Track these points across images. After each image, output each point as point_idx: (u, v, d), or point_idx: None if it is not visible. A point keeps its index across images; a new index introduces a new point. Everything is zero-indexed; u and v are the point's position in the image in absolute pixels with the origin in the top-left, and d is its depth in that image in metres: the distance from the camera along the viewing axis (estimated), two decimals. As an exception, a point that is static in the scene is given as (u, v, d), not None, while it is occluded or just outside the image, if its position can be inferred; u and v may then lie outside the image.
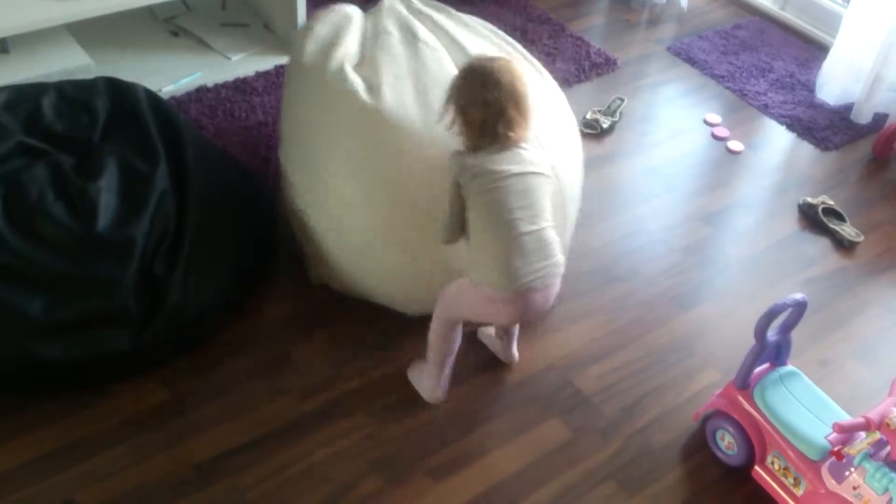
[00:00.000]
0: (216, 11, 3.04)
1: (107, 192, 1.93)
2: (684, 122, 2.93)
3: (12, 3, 2.36)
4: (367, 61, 2.07)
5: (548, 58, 3.11)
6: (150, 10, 2.77)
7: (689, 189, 2.67)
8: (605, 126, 2.83)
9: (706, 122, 2.93)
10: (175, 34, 2.93)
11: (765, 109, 3.00)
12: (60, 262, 1.85)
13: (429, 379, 1.91)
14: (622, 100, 2.95)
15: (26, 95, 2.09)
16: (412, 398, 1.95)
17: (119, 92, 2.18)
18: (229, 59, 2.87)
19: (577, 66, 3.11)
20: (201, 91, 2.73)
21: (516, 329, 2.02)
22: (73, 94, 2.13)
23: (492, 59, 1.74)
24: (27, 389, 1.87)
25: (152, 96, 2.22)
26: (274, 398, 1.92)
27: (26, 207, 1.89)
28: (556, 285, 1.75)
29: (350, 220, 1.96)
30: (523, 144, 1.71)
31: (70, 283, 1.86)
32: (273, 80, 2.82)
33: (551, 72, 3.01)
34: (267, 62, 2.87)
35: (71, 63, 2.45)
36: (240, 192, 2.18)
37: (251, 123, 2.65)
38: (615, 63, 3.15)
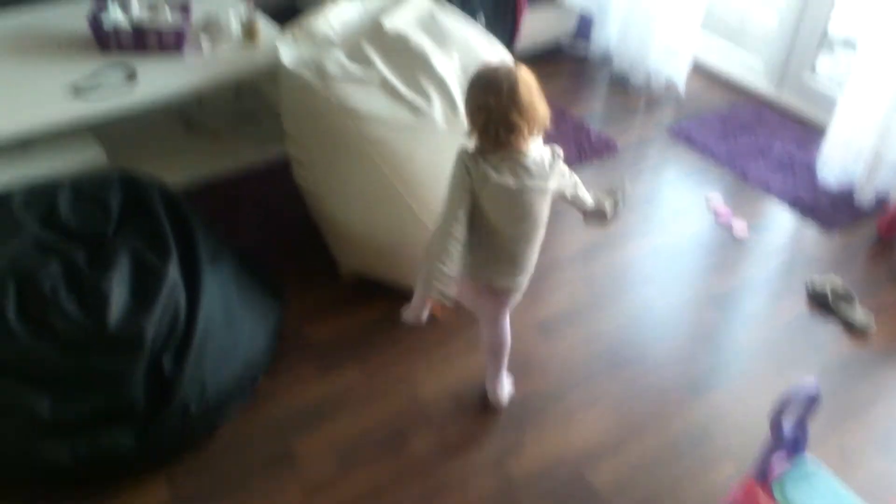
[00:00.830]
0: (229, 103, 3.12)
1: (118, 286, 1.95)
2: (687, 204, 2.97)
3: (34, 102, 2.43)
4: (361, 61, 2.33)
5: (548, 142, 3.17)
6: (164, 106, 2.83)
7: (694, 271, 2.69)
8: (607, 209, 2.86)
9: (709, 204, 2.97)
10: (188, 127, 3.00)
11: (766, 190, 3.05)
12: (69, 357, 1.87)
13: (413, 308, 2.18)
14: (624, 182, 2.99)
15: (44, 192, 2.13)
16: (424, 499, 1.92)
17: (133, 186, 2.23)
18: (241, 149, 2.92)
19: (579, 149, 3.17)
20: (213, 182, 2.78)
21: (495, 370, 2.13)
22: (88, 190, 2.17)
23: (497, 67, 1.77)
24: (32, 488, 1.85)
25: (165, 190, 2.26)
26: (278, 498, 1.89)
27: (39, 302, 1.91)
28: (514, 296, 1.95)
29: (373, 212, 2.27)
30: (525, 150, 1.76)
31: (78, 379, 1.87)
32: (283, 169, 2.87)
33: (555, 157, 3.09)
34: (278, 152, 2.93)
35: (88, 160, 2.50)
36: (249, 286, 2.20)
37: (262, 213, 2.69)
38: (616, 146, 3.22)
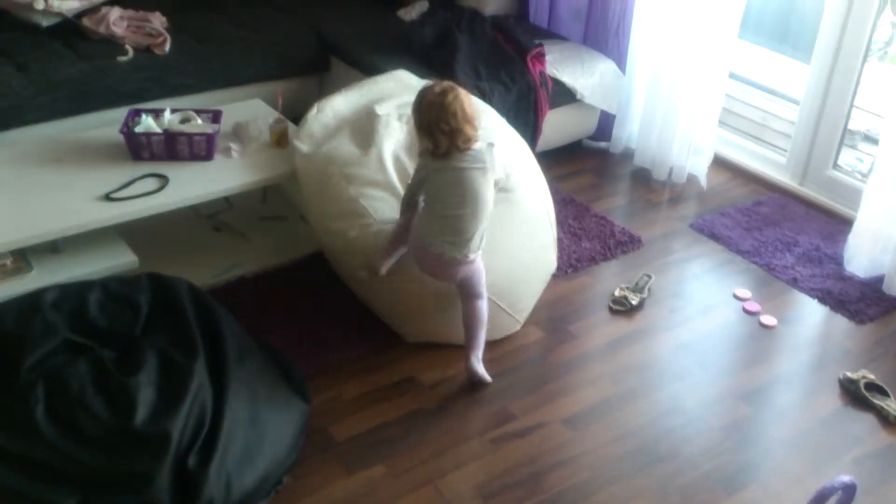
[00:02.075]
0: (256, 206, 3.21)
1: (145, 386, 1.97)
2: (714, 298, 2.95)
3: (65, 205, 2.52)
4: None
5: (573, 237, 3.20)
6: (193, 208, 2.94)
7: (724, 365, 2.65)
8: (634, 303, 2.86)
9: (736, 297, 2.95)
10: (217, 229, 3.08)
11: (794, 283, 3.02)
12: (97, 457, 1.88)
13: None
14: (650, 276, 2.99)
15: (73, 293, 2.18)
16: None
17: (162, 286, 2.28)
18: (268, 250, 2.98)
19: (603, 244, 3.19)
20: (240, 282, 2.83)
21: (471, 345, 2.45)
22: (117, 291, 2.22)
23: (444, 91, 2.26)
24: None
25: (193, 289, 2.31)
26: None
27: (67, 402, 1.93)
28: (462, 266, 2.33)
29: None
30: (474, 146, 2.28)
31: (105, 478, 1.88)
32: (309, 269, 2.92)
33: (577, 251, 3.12)
34: (303, 251, 2.99)
35: (117, 262, 2.57)
36: (275, 384, 2.21)
37: (287, 311, 2.72)
38: (640, 241, 3.23)
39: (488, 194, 2.30)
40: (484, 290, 2.45)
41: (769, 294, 2.97)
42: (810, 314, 2.90)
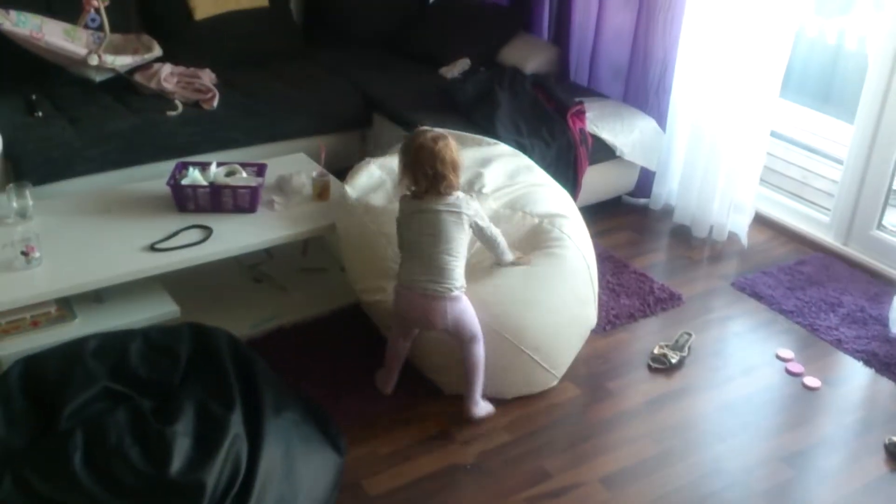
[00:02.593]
0: (297, 257, 3.25)
1: (182, 437, 1.98)
2: (756, 358, 2.90)
3: (111, 255, 2.58)
4: None
5: (612, 294, 3.18)
6: (235, 259, 2.99)
7: (766, 427, 2.58)
8: (674, 361, 2.82)
9: (779, 358, 2.89)
10: (258, 280, 3.12)
11: (838, 345, 2.95)
12: (132, 506, 1.88)
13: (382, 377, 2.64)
14: (690, 335, 2.95)
15: (115, 342, 2.22)
16: None
17: (202, 337, 2.31)
18: (307, 302, 3.01)
19: (642, 301, 3.16)
20: (279, 333, 2.85)
21: (472, 391, 2.52)
22: (158, 340, 2.26)
23: (436, 138, 2.40)
24: None
25: (233, 340, 2.33)
26: None
27: (105, 451, 1.95)
28: (445, 301, 2.37)
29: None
30: (454, 193, 2.41)
31: (139, 528, 1.87)
32: (347, 320, 2.94)
33: (616, 307, 3.09)
34: (342, 302, 3.01)
35: (159, 312, 2.62)
36: (310, 437, 2.20)
37: (325, 362, 2.73)
38: (680, 298, 3.19)
39: (462, 235, 2.41)
40: (478, 330, 2.46)
41: (813, 355, 2.91)
42: (855, 376, 2.83)
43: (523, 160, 3.03)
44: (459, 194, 2.43)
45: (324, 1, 4.34)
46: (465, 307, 2.43)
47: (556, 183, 2.96)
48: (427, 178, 2.37)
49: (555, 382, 2.68)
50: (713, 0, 3.44)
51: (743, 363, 2.87)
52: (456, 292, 2.40)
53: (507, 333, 2.51)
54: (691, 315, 3.12)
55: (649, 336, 2.98)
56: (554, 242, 2.65)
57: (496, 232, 2.51)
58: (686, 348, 2.89)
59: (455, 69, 4.07)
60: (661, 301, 3.17)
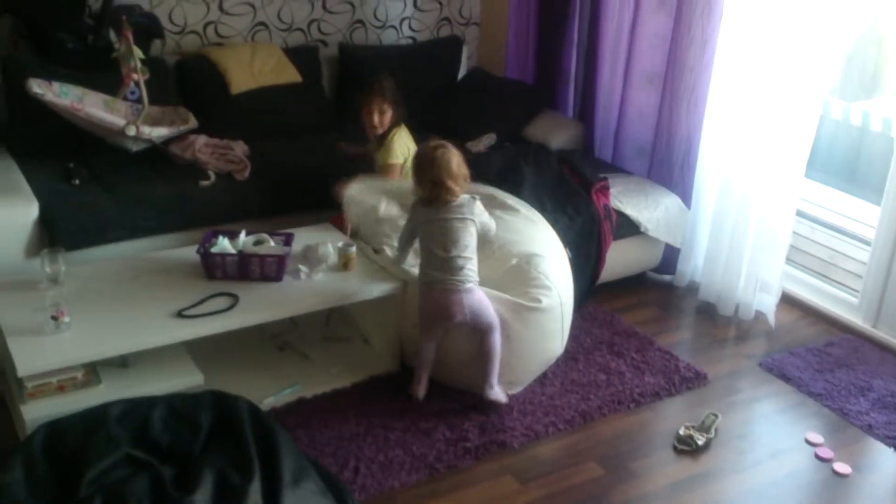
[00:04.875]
0: (320, 326, 3.26)
1: (200, 506, 1.97)
2: (784, 441, 2.83)
3: (139, 322, 2.61)
4: None
5: (636, 371, 3.14)
6: (259, 327, 3.01)
7: (796, 515, 2.51)
8: (700, 443, 2.76)
9: (808, 442, 2.82)
10: (281, 349, 3.14)
11: (869, 430, 2.88)
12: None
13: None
14: (716, 416, 2.90)
15: (139, 408, 2.23)
16: None
17: (224, 405, 2.31)
18: (329, 371, 3.01)
19: (667, 379, 3.12)
20: (301, 402, 2.85)
21: (490, 376, 2.81)
22: (181, 408, 2.26)
23: (436, 147, 2.69)
24: None
25: (254, 410, 2.33)
26: None
27: (123, 519, 1.93)
28: (461, 294, 2.68)
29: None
30: (456, 199, 2.70)
31: None
32: (368, 391, 2.93)
33: (640, 385, 3.06)
34: (363, 374, 3.01)
35: (183, 380, 2.63)
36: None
37: (345, 434, 2.71)
38: (706, 378, 3.15)
39: (470, 238, 2.72)
40: (494, 319, 2.76)
41: (843, 440, 2.84)
42: (887, 463, 2.75)
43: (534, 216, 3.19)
44: (464, 198, 2.71)
45: (354, 76, 4.46)
46: (480, 297, 2.73)
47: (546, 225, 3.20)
48: (432, 186, 2.66)
49: (512, 391, 2.93)
50: (738, 81, 3.49)
51: (771, 447, 2.81)
52: (470, 285, 2.69)
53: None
54: (717, 395, 3.07)
55: (674, 416, 2.93)
56: (533, 289, 2.89)
57: (493, 226, 2.85)
58: (712, 430, 2.83)
59: (481, 144, 4.14)
60: (686, 380, 3.13)
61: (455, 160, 2.68)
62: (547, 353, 3.02)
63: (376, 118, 3.34)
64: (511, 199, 3.24)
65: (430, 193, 2.69)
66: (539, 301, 2.89)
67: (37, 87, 3.38)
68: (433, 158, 2.67)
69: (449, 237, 2.68)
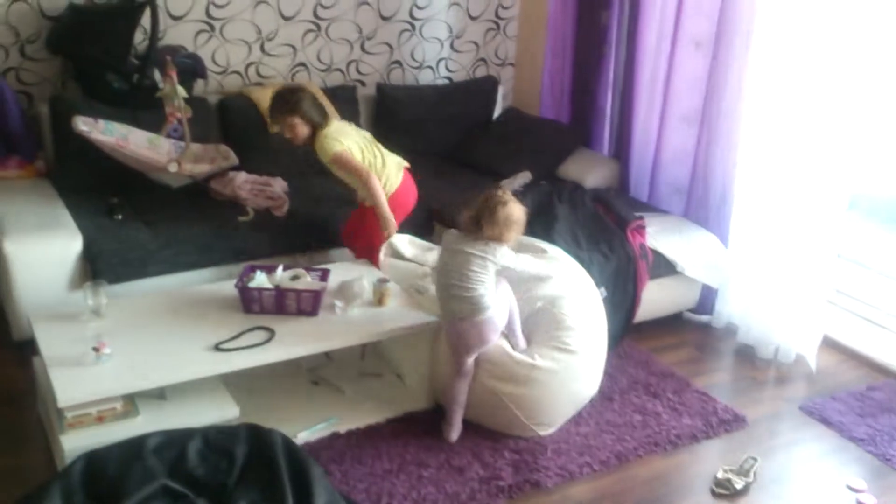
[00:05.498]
0: (354, 362, 3.27)
1: (233, 540, 1.97)
2: (825, 487, 2.76)
3: (177, 355, 2.64)
4: None
5: (673, 412, 3.09)
6: (294, 361, 3.02)
7: (839, 564, 2.44)
8: (738, 487, 2.70)
9: (850, 488, 2.75)
10: (315, 383, 3.15)
11: (915, 477, 2.81)
12: None
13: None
14: (755, 459, 2.84)
15: (175, 440, 2.25)
16: None
17: (259, 439, 2.32)
18: (362, 406, 3.01)
19: (705, 422, 3.06)
20: (334, 437, 2.84)
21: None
22: (216, 441, 2.27)
23: (501, 195, 2.74)
24: None
25: (288, 443, 2.34)
26: None
27: (157, 551, 1.94)
28: (479, 322, 2.72)
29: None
30: (492, 243, 2.72)
31: None
32: (401, 428, 2.92)
33: (677, 427, 3.00)
34: (396, 410, 3.00)
35: (220, 413, 2.64)
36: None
37: (378, 470, 2.70)
38: (744, 420, 3.09)
39: (484, 277, 2.72)
40: (516, 327, 2.90)
41: (886, 487, 2.76)
42: (936, 513, 2.67)
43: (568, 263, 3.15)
44: (497, 245, 2.72)
45: (391, 115, 4.53)
46: (495, 323, 2.77)
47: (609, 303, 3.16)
48: (475, 224, 2.71)
49: (543, 432, 2.90)
50: (776, 120, 3.48)
51: (812, 492, 2.74)
52: (485, 314, 2.72)
53: (504, 398, 2.84)
54: (756, 439, 3.00)
55: (712, 459, 2.87)
56: (560, 332, 2.88)
57: (525, 271, 2.84)
58: (751, 474, 2.77)
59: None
60: (724, 422, 3.07)
61: (517, 212, 2.73)
62: (579, 394, 2.98)
63: (288, 134, 3.29)
64: (538, 241, 3.22)
65: (471, 229, 2.73)
66: (566, 343, 2.87)
67: (83, 124, 3.48)
68: (493, 207, 2.70)
69: (464, 269, 2.71)
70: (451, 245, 2.78)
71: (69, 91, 3.91)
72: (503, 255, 2.75)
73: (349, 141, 3.31)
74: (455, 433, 2.86)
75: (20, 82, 3.90)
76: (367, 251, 3.41)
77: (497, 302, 2.76)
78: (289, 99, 3.26)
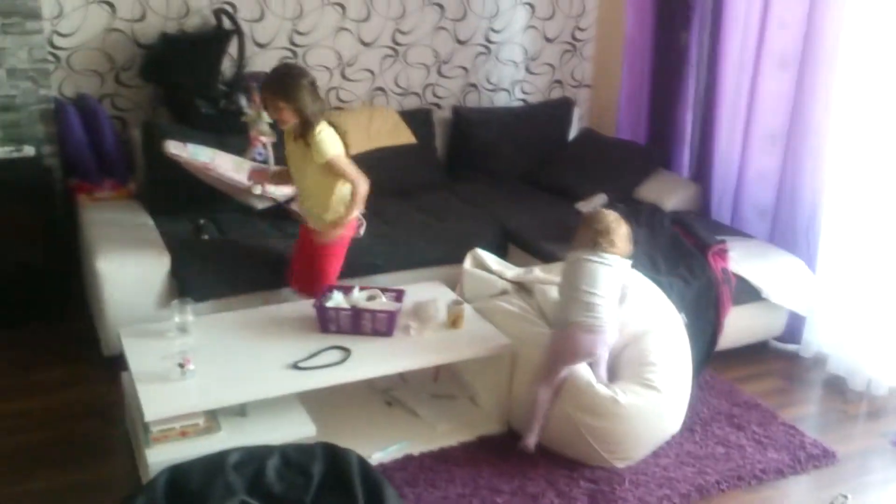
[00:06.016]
0: (428, 383, 3.27)
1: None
2: (924, 528, 2.62)
3: (257, 372, 2.70)
4: None
5: (758, 446, 2.98)
6: (369, 382, 3.05)
7: None
8: (828, 525, 2.58)
9: (952, 531, 2.60)
10: (389, 404, 3.16)
11: None
12: None
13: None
14: (846, 497, 2.71)
15: (255, 457, 2.29)
16: None
17: (334, 458, 2.33)
18: (436, 429, 3.00)
19: (792, 456, 2.94)
20: (407, 459, 2.84)
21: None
22: (294, 458, 2.30)
23: (609, 213, 2.97)
24: None
25: (363, 463, 2.35)
26: None
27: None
28: (593, 332, 2.79)
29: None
30: (605, 252, 2.87)
31: None
32: (474, 452, 2.90)
33: (763, 461, 2.89)
34: (470, 433, 2.98)
35: (297, 431, 2.68)
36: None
37: (451, 494, 2.68)
38: (834, 456, 2.95)
39: (612, 289, 2.83)
40: (603, 360, 2.88)
41: None
42: None
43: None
44: (617, 258, 2.87)
45: (466, 137, 4.55)
46: (606, 338, 2.83)
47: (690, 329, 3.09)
48: (589, 238, 2.88)
49: (621, 465, 2.82)
50: (865, 139, 3.35)
51: (909, 533, 2.60)
52: (603, 325, 2.80)
53: (582, 428, 2.78)
54: (847, 475, 2.87)
55: (800, 496, 2.76)
56: (642, 367, 2.85)
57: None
58: (843, 511, 2.65)
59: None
60: (813, 458, 2.94)
61: (619, 227, 2.91)
62: (661, 432, 2.90)
63: (272, 112, 3.14)
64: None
65: (587, 243, 2.88)
66: (650, 380, 2.81)
67: (173, 148, 3.61)
68: (615, 223, 2.90)
69: (592, 277, 2.82)
70: (581, 256, 2.88)
71: (160, 116, 4.06)
72: (630, 272, 2.92)
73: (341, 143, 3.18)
74: (533, 440, 2.85)
75: (115, 108, 4.08)
76: (307, 278, 3.30)
77: (613, 319, 2.83)
78: (287, 84, 3.05)
